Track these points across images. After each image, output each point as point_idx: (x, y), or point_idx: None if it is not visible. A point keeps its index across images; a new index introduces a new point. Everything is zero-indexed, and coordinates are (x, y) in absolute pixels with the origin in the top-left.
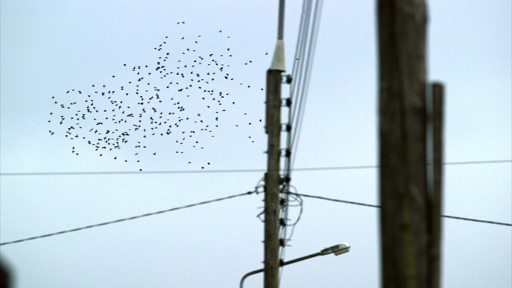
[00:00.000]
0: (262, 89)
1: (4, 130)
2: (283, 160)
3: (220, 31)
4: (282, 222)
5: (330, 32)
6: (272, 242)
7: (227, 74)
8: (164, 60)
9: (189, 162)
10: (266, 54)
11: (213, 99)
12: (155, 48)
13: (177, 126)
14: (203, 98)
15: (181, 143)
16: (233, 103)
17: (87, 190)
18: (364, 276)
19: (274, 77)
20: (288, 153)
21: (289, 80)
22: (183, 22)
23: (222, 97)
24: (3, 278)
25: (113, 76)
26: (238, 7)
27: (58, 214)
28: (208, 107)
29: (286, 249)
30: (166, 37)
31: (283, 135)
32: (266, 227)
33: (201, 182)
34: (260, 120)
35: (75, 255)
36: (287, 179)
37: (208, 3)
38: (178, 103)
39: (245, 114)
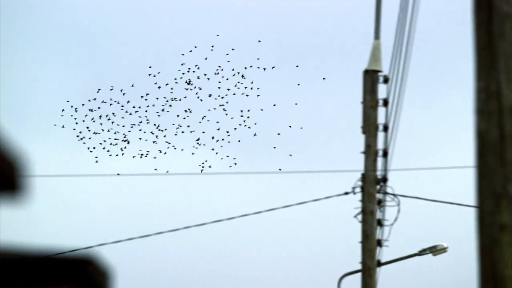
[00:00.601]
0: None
1: (98, 134)
2: (380, 160)
3: (259, 41)
4: (380, 223)
5: (427, 32)
6: (370, 242)
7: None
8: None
9: (292, 155)
10: (297, 67)
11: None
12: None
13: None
14: (296, 104)
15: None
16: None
17: (184, 191)
18: (462, 277)
19: (370, 77)
20: (385, 154)
21: (386, 80)
22: (217, 35)
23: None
24: (102, 279)
25: (186, 70)
26: (330, 8)
27: (156, 214)
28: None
29: (384, 250)
30: (195, 46)
31: (380, 135)
32: (363, 227)
33: (297, 182)
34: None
35: (173, 255)
36: (384, 179)
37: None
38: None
39: (350, 118)
